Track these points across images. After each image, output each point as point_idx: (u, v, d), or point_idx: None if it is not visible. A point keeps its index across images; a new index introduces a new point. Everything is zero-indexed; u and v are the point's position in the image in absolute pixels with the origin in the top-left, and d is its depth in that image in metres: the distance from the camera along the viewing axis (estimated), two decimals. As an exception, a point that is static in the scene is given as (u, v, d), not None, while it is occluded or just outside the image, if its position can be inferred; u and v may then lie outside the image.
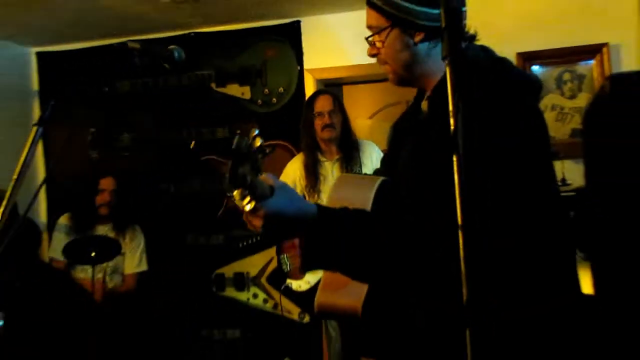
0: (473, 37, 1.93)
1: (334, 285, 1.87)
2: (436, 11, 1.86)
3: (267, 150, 1.53)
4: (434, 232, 1.60)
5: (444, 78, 1.80)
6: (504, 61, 1.90)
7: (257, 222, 1.63)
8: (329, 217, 1.67)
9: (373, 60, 1.99)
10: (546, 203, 1.80)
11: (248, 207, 1.52)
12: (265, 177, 1.62)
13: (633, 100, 1.85)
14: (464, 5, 1.86)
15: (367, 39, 1.93)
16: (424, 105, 2.00)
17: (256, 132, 1.54)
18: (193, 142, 5.72)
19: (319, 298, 1.90)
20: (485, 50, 1.94)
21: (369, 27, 1.92)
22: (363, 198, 1.83)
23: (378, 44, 1.90)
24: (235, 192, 1.51)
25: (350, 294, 1.83)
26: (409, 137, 2.02)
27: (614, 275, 2.15)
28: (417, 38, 1.85)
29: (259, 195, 1.55)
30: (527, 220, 1.68)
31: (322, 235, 1.66)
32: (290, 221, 1.63)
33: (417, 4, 1.82)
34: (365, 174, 2.23)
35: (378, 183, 1.91)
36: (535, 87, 1.89)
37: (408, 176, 1.89)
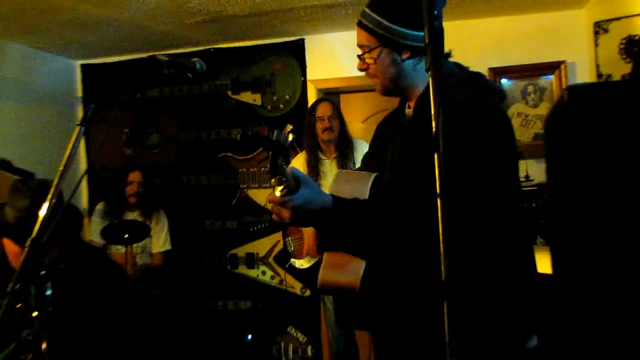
0: (448, 55, 1.93)
1: (335, 265, 1.88)
2: (421, 33, 1.86)
3: (295, 145, 1.55)
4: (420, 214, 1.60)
5: (427, 89, 1.81)
6: (479, 74, 1.91)
7: (286, 214, 1.64)
8: (343, 207, 1.67)
9: (365, 74, 1.99)
10: (512, 195, 1.80)
11: (278, 194, 1.54)
12: (291, 171, 1.63)
13: (587, 107, 1.85)
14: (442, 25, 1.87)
15: (359, 56, 1.94)
16: (409, 111, 2.00)
17: (290, 127, 1.55)
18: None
19: (322, 276, 1.90)
20: (459, 66, 1.95)
21: (360, 45, 1.93)
22: (360, 190, 1.83)
23: (369, 61, 1.91)
24: (273, 180, 1.52)
25: (349, 273, 1.84)
26: (394, 137, 2.02)
27: (569, 257, 2.15)
28: (405, 56, 1.86)
29: (289, 186, 1.57)
30: (496, 209, 1.69)
31: (338, 222, 1.66)
32: (314, 211, 1.63)
33: (405, 26, 1.82)
34: (360, 170, 2.23)
35: (372, 178, 1.91)
36: (502, 95, 1.91)
37: (399, 167, 1.90)
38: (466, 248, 1.57)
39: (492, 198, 1.68)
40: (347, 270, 1.83)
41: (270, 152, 1.50)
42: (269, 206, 1.64)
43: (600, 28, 3.46)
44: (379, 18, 1.85)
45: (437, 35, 1.34)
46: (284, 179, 1.55)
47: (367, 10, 1.89)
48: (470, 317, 1.61)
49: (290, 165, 1.66)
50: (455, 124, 1.68)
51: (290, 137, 1.56)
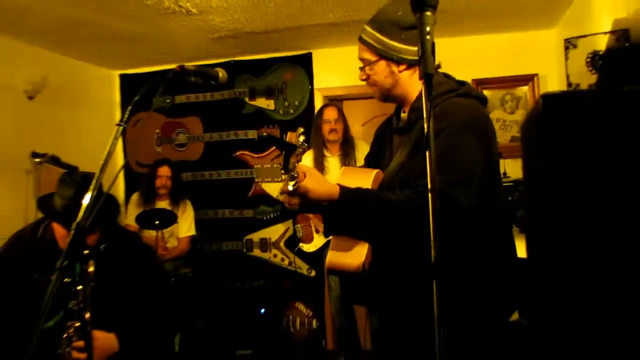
0: (438, 66, 1.93)
1: (340, 248, 1.88)
2: (414, 48, 1.85)
3: (305, 145, 1.55)
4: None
5: (420, 96, 1.81)
6: (464, 82, 1.91)
7: (295, 201, 1.63)
8: (348, 194, 1.66)
9: (364, 83, 1.99)
10: (492, 186, 1.79)
11: (291, 188, 1.54)
12: (300, 165, 1.64)
13: (559, 111, 1.86)
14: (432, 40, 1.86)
15: (360, 68, 1.93)
16: (404, 115, 1.99)
17: (302, 131, 1.56)
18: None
19: (329, 258, 1.90)
20: (447, 76, 1.95)
21: (361, 59, 1.92)
22: (363, 184, 1.83)
23: (369, 72, 1.90)
24: (285, 176, 1.54)
25: (354, 256, 1.84)
26: (391, 139, 2.03)
27: (541, 244, 2.15)
28: (400, 68, 1.86)
29: (299, 181, 1.57)
30: (478, 198, 1.67)
31: (344, 207, 1.65)
32: (321, 199, 1.62)
33: (400, 42, 1.82)
34: (362, 167, 2.24)
35: (374, 173, 1.92)
36: (484, 101, 1.90)
37: (400, 162, 1.89)
38: (455, 233, 1.57)
39: (474, 188, 1.66)
40: (351, 253, 1.83)
41: (284, 152, 1.51)
42: (281, 197, 1.64)
43: (570, 44, 3.47)
44: (377, 34, 1.84)
45: (429, 48, 1.34)
46: (295, 175, 1.56)
47: (367, 27, 1.89)
48: (457, 294, 1.61)
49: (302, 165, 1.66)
50: (444, 123, 1.69)
51: (302, 138, 1.56)
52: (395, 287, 1.86)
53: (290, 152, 1.53)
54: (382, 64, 1.86)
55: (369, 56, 1.88)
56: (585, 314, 1.94)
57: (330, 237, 1.94)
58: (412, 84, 1.90)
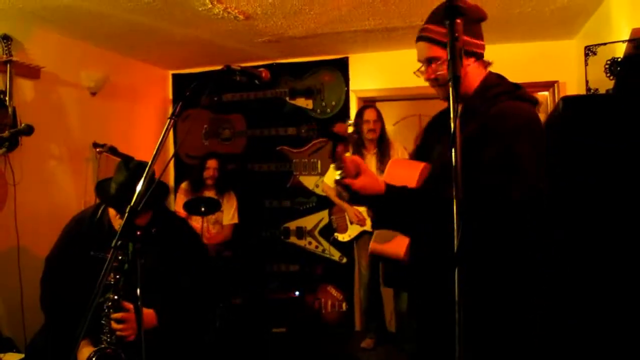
0: (489, 64, 1.86)
1: (383, 238, 1.88)
2: (481, 41, 1.80)
3: (355, 136, 1.55)
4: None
5: (474, 93, 1.75)
6: (517, 85, 1.83)
7: (345, 194, 1.62)
8: (393, 194, 1.64)
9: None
10: (532, 192, 1.66)
11: (338, 177, 1.55)
12: (355, 158, 1.62)
13: (578, 113, 1.81)
14: (482, 37, 1.80)
15: (426, 68, 1.82)
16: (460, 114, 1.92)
17: (351, 122, 1.55)
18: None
19: (372, 245, 1.91)
20: (500, 77, 1.87)
21: (428, 58, 1.79)
22: (410, 175, 1.81)
23: (439, 69, 1.78)
24: (332, 165, 1.54)
25: (396, 245, 1.83)
26: (441, 136, 1.94)
27: (558, 242, 2.10)
28: (470, 61, 1.77)
29: (348, 171, 1.57)
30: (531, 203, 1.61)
31: (388, 205, 1.64)
32: (370, 196, 1.61)
33: (470, 36, 1.73)
34: (408, 159, 2.21)
35: (421, 167, 1.88)
36: (535, 102, 1.81)
37: (444, 162, 1.85)
38: (499, 228, 1.54)
39: (529, 190, 1.58)
40: (394, 242, 1.83)
41: (332, 142, 1.50)
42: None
43: (590, 51, 3.40)
44: (443, 31, 1.69)
45: (457, 55, 1.31)
46: (342, 165, 1.55)
47: (430, 26, 1.77)
48: (481, 285, 1.59)
49: (353, 156, 1.64)
50: (500, 125, 1.64)
51: (350, 129, 1.55)
52: (432, 275, 1.83)
53: (337, 142, 1.51)
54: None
55: (437, 54, 1.76)
56: (601, 313, 1.90)
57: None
58: (474, 79, 1.81)
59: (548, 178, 1.63)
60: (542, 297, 1.74)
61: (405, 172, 1.84)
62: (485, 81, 1.80)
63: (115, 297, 2.43)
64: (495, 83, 1.79)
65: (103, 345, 2.43)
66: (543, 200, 1.64)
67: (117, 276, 2.37)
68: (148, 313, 2.62)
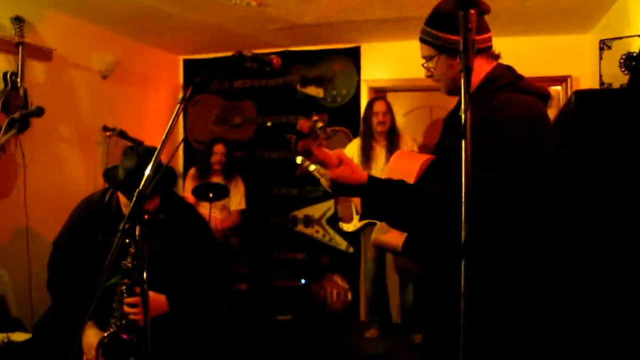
0: (498, 56, 1.87)
1: (385, 228, 1.89)
2: (485, 35, 1.81)
3: (328, 130, 1.55)
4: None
5: (477, 88, 1.75)
6: (520, 77, 1.82)
7: (326, 183, 1.64)
8: (375, 185, 1.65)
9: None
10: (534, 184, 1.68)
11: (311, 168, 1.56)
12: (338, 152, 1.63)
13: (590, 107, 1.79)
14: (489, 31, 1.81)
15: (423, 65, 1.88)
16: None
17: (315, 119, 1.56)
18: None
19: (374, 235, 1.93)
20: (510, 69, 1.86)
21: (424, 57, 1.87)
22: (410, 168, 1.82)
23: (431, 67, 1.85)
24: (298, 158, 1.56)
25: (395, 235, 1.84)
26: (448, 131, 1.95)
27: (567, 238, 2.08)
28: (458, 59, 1.80)
29: (321, 163, 1.58)
30: (524, 198, 1.60)
31: (373, 197, 1.64)
32: (350, 185, 1.62)
33: (454, 34, 1.75)
34: (417, 152, 2.23)
35: (424, 159, 1.89)
36: (545, 95, 1.79)
37: (441, 154, 1.86)
38: (487, 224, 1.52)
39: (520, 185, 1.56)
40: (393, 233, 1.84)
41: (295, 138, 1.53)
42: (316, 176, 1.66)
43: (605, 44, 3.37)
44: (434, 31, 1.79)
45: (469, 46, 1.31)
46: (308, 158, 1.57)
47: (425, 27, 1.84)
48: (486, 279, 1.58)
49: (346, 147, 1.66)
50: (497, 118, 1.62)
51: (319, 125, 1.55)
52: (428, 266, 1.84)
53: (300, 139, 1.54)
54: (441, 58, 1.80)
55: (428, 52, 1.84)
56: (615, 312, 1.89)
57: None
58: (478, 73, 1.81)
59: (558, 175, 1.60)
60: (549, 296, 1.73)
61: (407, 164, 1.84)
62: (490, 74, 1.79)
63: (130, 281, 2.46)
64: (500, 75, 1.78)
65: (112, 329, 2.45)
66: (545, 197, 1.63)
67: (135, 262, 2.39)
68: (160, 298, 2.65)
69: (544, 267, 1.70)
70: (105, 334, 2.44)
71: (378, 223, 1.94)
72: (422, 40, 1.87)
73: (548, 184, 1.63)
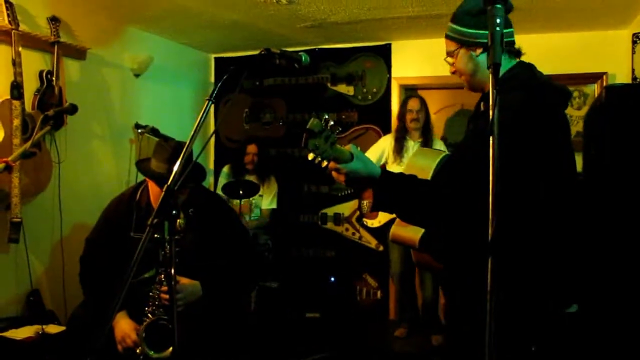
0: (520, 52, 1.87)
1: (402, 224, 1.92)
2: (487, 32, 1.81)
3: (339, 129, 1.62)
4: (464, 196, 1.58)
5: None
6: (534, 76, 1.81)
7: (341, 178, 1.72)
8: (387, 179, 1.71)
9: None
10: (551, 180, 1.69)
11: (323, 165, 1.67)
12: (349, 147, 1.71)
13: (621, 102, 1.77)
14: (511, 26, 1.80)
15: (445, 59, 1.92)
16: (482, 104, 1.93)
17: (325, 116, 1.64)
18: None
19: (393, 230, 1.97)
20: (529, 68, 1.86)
21: (447, 52, 1.91)
22: (427, 164, 1.84)
23: (454, 61, 1.89)
24: (310, 155, 1.62)
25: (412, 231, 1.87)
26: (468, 128, 1.99)
27: (599, 232, 2.05)
28: (477, 52, 1.82)
29: (334, 158, 1.67)
30: (535, 190, 1.61)
31: (383, 189, 1.71)
32: (363, 178, 1.70)
33: (474, 28, 1.78)
34: (437, 149, 2.25)
35: (440, 156, 1.91)
36: (564, 94, 1.81)
37: (460, 155, 1.86)
38: (514, 219, 1.52)
39: (514, 182, 1.58)
40: (412, 228, 1.86)
41: (304, 135, 1.59)
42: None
43: (637, 38, 3.30)
44: (454, 26, 1.85)
45: (497, 40, 1.31)
46: (318, 155, 1.65)
47: (449, 23, 1.89)
48: (513, 276, 1.56)
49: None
50: (506, 116, 1.62)
51: (330, 123, 1.62)
52: (445, 262, 1.85)
53: (309, 134, 1.61)
54: (462, 51, 1.84)
55: (451, 48, 1.88)
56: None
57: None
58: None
59: (588, 170, 1.59)
60: (575, 296, 1.72)
61: (424, 160, 1.87)
62: (507, 73, 1.79)
63: (169, 270, 2.54)
64: (514, 74, 1.78)
65: (151, 318, 2.60)
66: (550, 197, 1.63)
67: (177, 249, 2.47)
68: (194, 284, 2.76)
69: (568, 266, 1.69)
70: (147, 320, 2.55)
71: (397, 219, 1.96)
72: (446, 37, 1.91)
73: (554, 184, 1.64)
